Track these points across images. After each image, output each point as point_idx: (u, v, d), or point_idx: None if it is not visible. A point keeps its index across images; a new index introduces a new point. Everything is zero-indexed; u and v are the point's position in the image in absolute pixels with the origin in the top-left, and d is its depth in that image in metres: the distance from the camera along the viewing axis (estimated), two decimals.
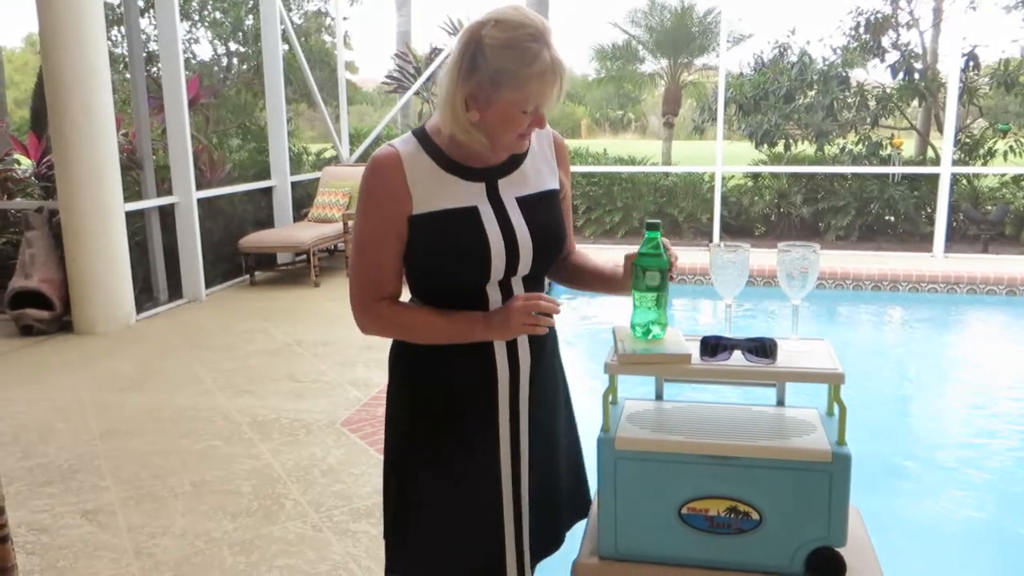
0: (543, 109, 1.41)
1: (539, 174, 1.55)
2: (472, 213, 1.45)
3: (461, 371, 1.51)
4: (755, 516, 1.44)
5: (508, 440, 1.55)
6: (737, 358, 1.49)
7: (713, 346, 1.49)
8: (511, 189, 1.50)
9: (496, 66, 1.34)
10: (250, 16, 10.67)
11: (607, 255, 1.73)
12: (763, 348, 1.47)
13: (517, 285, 1.51)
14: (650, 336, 1.51)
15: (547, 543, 1.65)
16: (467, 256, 1.44)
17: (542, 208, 1.52)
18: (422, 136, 1.49)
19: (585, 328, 5.95)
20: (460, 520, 1.56)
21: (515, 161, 1.52)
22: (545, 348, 1.58)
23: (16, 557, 1.52)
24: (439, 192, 1.45)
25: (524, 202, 1.50)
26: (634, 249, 1.52)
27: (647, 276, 1.47)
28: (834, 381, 1.45)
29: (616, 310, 6.23)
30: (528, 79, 1.34)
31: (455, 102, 1.39)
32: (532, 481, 1.58)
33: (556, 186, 1.58)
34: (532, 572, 1.62)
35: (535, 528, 1.60)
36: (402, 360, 1.57)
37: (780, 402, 1.64)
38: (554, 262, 1.59)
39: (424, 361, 1.53)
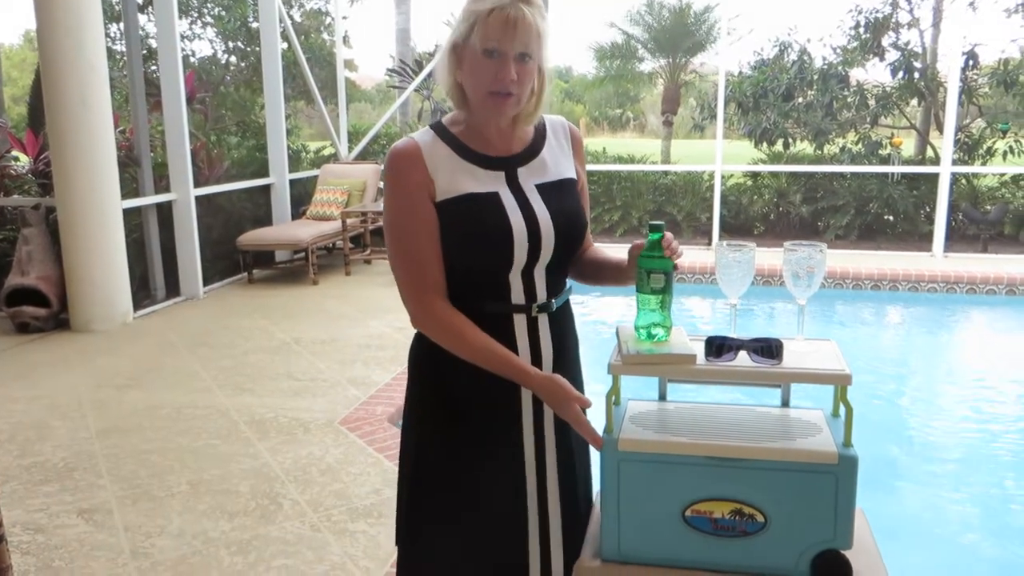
0: (506, 52, 1.40)
1: (557, 163, 1.57)
2: (493, 198, 1.46)
3: (483, 375, 1.49)
4: (760, 518, 1.42)
5: (532, 449, 1.53)
6: (743, 359, 1.47)
7: (718, 346, 1.47)
8: (530, 177, 1.52)
9: (465, 8, 1.43)
10: (250, 13, 10.64)
11: (608, 253, 1.72)
12: (769, 349, 1.45)
13: (540, 276, 1.50)
14: (654, 339, 1.49)
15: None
16: (490, 240, 1.44)
17: (562, 195, 1.53)
18: (439, 128, 1.52)
19: (588, 328, 5.94)
20: (481, 530, 1.52)
21: (533, 150, 1.55)
22: (567, 353, 1.58)
23: (11, 557, 1.50)
24: (459, 178, 1.46)
25: (544, 189, 1.52)
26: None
27: (651, 279, 1.45)
28: (842, 382, 1.43)
29: (620, 309, 6.22)
30: (483, 12, 1.39)
31: (447, 60, 1.46)
32: (558, 494, 1.56)
33: (574, 175, 1.60)
34: None
35: (567, 541, 1.57)
36: (422, 363, 1.55)
37: (785, 403, 1.62)
38: (575, 251, 1.58)
39: (445, 365, 1.50)
